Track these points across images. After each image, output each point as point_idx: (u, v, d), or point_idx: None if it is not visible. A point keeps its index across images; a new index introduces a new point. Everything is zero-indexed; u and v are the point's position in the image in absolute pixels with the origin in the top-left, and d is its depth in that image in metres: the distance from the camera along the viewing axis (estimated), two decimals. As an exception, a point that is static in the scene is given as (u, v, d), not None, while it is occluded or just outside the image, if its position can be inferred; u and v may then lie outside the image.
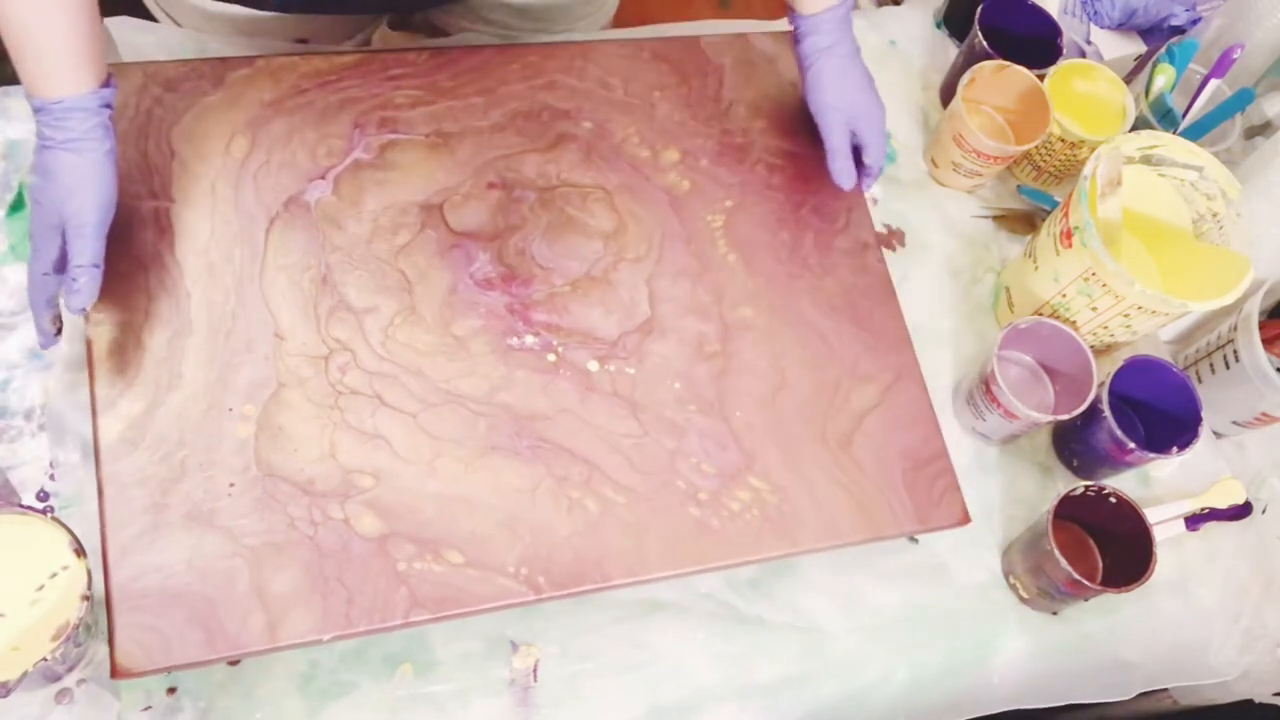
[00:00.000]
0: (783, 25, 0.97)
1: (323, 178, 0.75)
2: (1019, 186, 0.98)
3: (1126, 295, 0.78)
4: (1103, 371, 0.82)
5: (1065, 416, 0.80)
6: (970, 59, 0.94)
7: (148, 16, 0.87)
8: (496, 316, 0.73)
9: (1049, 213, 0.97)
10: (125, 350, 0.67)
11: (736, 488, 0.72)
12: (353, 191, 0.75)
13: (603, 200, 0.79)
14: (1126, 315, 0.80)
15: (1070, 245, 0.80)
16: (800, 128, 0.87)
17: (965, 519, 0.75)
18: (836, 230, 0.83)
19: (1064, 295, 0.83)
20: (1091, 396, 0.80)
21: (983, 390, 0.81)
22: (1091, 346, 0.86)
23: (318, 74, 0.78)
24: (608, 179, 0.80)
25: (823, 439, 0.75)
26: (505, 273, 0.75)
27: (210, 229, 0.71)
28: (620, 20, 1.05)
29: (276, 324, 0.70)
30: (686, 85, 0.86)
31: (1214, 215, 0.85)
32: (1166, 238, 0.87)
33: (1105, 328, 0.83)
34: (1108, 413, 0.79)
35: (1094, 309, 0.81)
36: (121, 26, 0.82)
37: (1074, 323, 0.84)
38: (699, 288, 0.78)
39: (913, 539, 0.80)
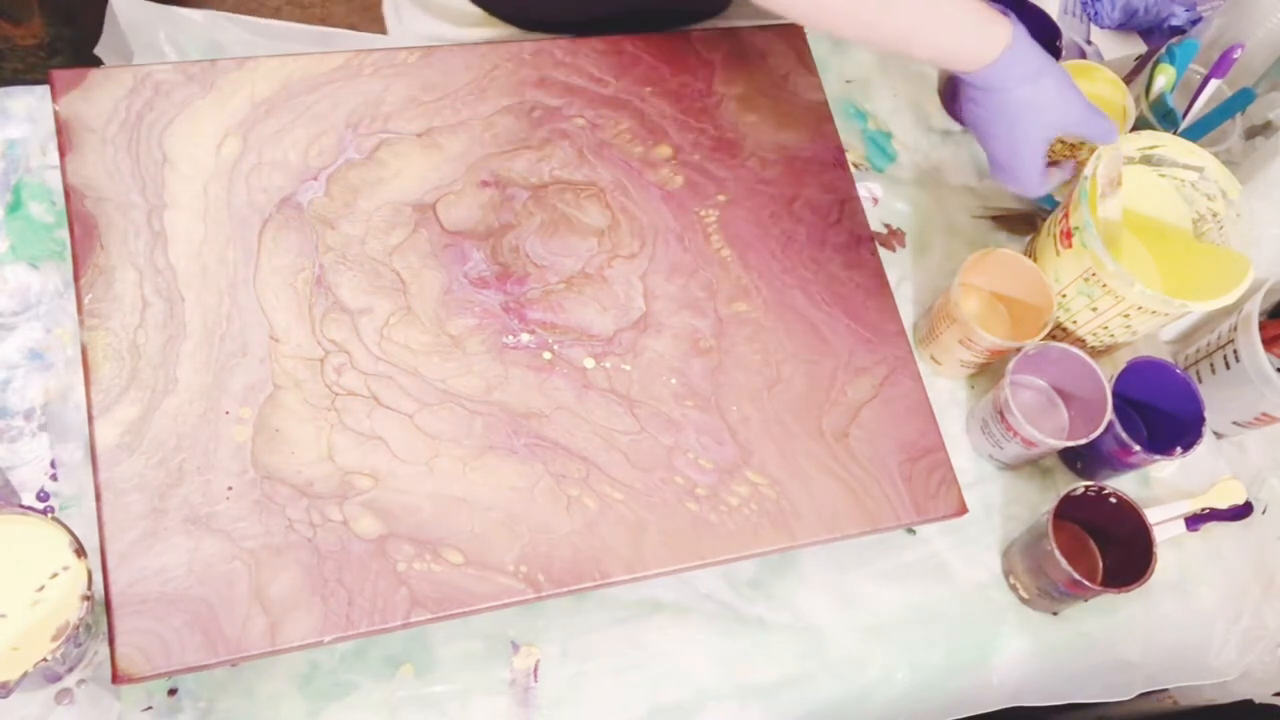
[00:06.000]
0: (775, 20, 1.05)
1: (315, 178, 0.81)
2: (1018, 185, 1.05)
3: (1126, 296, 0.85)
4: (1105, 373, 0.88)
5: (1084, 440, 0.86)
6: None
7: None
8: (491, 315, 0.80)
9: (1049, 213, 1.04)
10: (120, 355, 0.74)
11: (734, 482, 0.79)
12: (345, 192, 0.82)
13: (596, 197, 0.86)
14: (1126, 316, 0.87)
15: (1070, 245, 0.87)
16: (792, 122, 0.94)
17: (962, 509, 0.83)
18: (830, 224, 0.90)
19: (1064, 295, 0.90)
20: (1107, 419, 0.86)
21: (998, 419, 0.87)
22: (1092, 347, 0.93)
23: (308, 74, 0.84)
24: (600, 176, 0.87)
25: (819, 432, 0.82)
26: (499, 271, 0.82)
27: (203, 232, 0.78)
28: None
29: (271, 326, 0.77)
30: (678, 80, 0.93)
31: (1214, 215, 0.92)
32: (1166, 238, 0.94)
33: (1105, 328, 0.90)
34: (1113, 417, 0.86)
35: (1094, 309, 0.88)
36: (128, 7, 0.88)
37: (1074, 322, 0.91)
38: (693, 283, 0.85)
39: (910, 530, 0.88)
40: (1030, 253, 0.95)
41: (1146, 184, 0.95)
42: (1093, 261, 0.85)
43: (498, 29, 0.98)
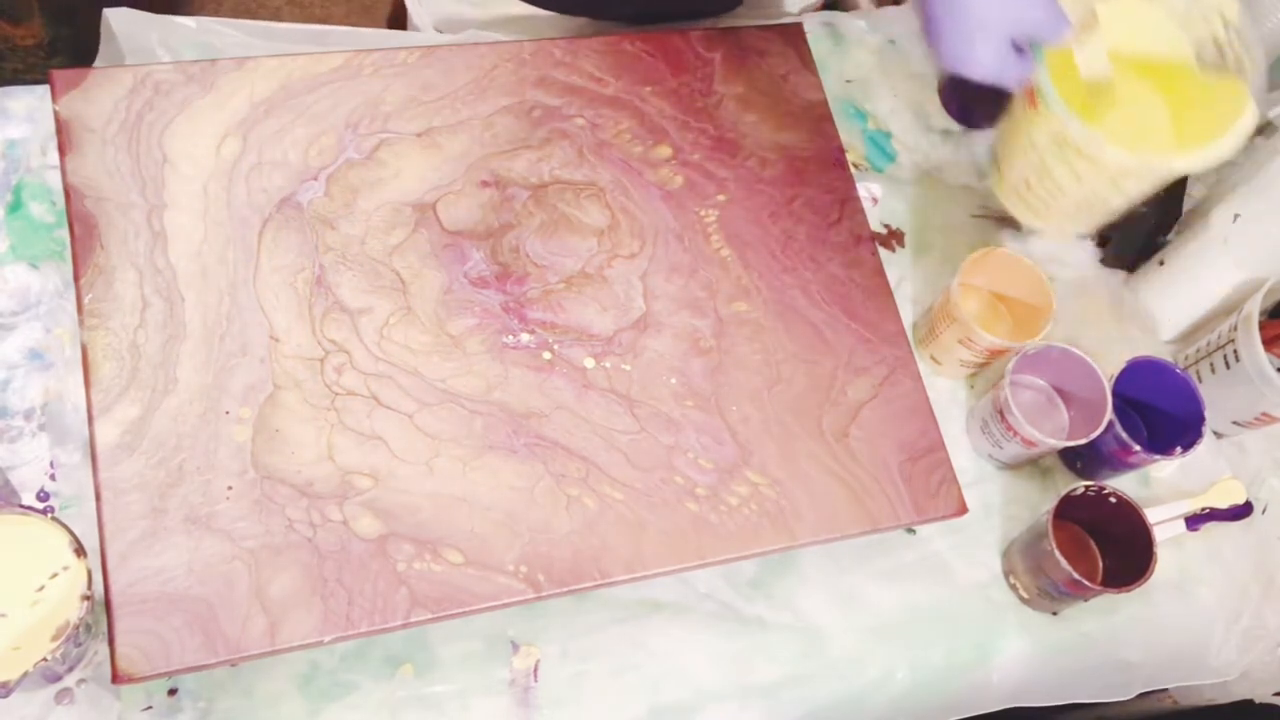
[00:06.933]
0: (774, 19, 1.05)
1: (315, 178, 0.81)
2: (1018, 184, 1.05)
3: (1101, 159, 0.75)
4: (1104, 373, 0.88)
5: (1084, 440, 0.86)
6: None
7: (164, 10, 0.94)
8: (491, 315, 0.80)
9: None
10: (120, 355, 0.74)
11: (734, 482, 0.79)
12: (345, 191, 0.82)
13: (595, 197, 0.86)
14: (1114, 181, 0.78)
15: (1035, 105, 0.77)
16: (792, 121, 0.94)
17: (962, 509, 0.83)
18: (830, 224, 0.90)
19: (1043, 162, 0.80)
20: (1107, 419, 0.86)
21: (998, 419, 0.87)
22: (1088, 220, 0.85)
23: (308, 74, 0.85)
24: (600, 175, 0.87)
25: (819, 432, 0.82)
26: (499, 271, 0.82)
27: (203, 232, 0.78)
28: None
29: (271, 326, 0.77)
30: (677, 80, 0.93)
31: (1214, 41, 0.82)
32: (1170, 75, 0.82)
33: (1096, 194, 0.80)
34: (1113, 416, 0.86)
35: (1077, 176, 0.79)
36: (123, 19, 0.89)
37: (1060, 191, 0.81)
38: (693, 283, 0.85)
39: (910, 530, 0.88)
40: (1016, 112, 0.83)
41: (1137, 15, 0.82)
42: (1061, 125, 0.75)
43: (520, 7, 0.98)
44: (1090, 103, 0.76)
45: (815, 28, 1.06)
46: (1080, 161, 0.76)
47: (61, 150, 0.78)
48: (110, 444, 0.71)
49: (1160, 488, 0.96)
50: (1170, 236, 1.03)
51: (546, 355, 0.80)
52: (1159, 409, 0.92)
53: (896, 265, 0.97)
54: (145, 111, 0.80)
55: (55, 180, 0.82)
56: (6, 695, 0.64)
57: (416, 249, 0.81)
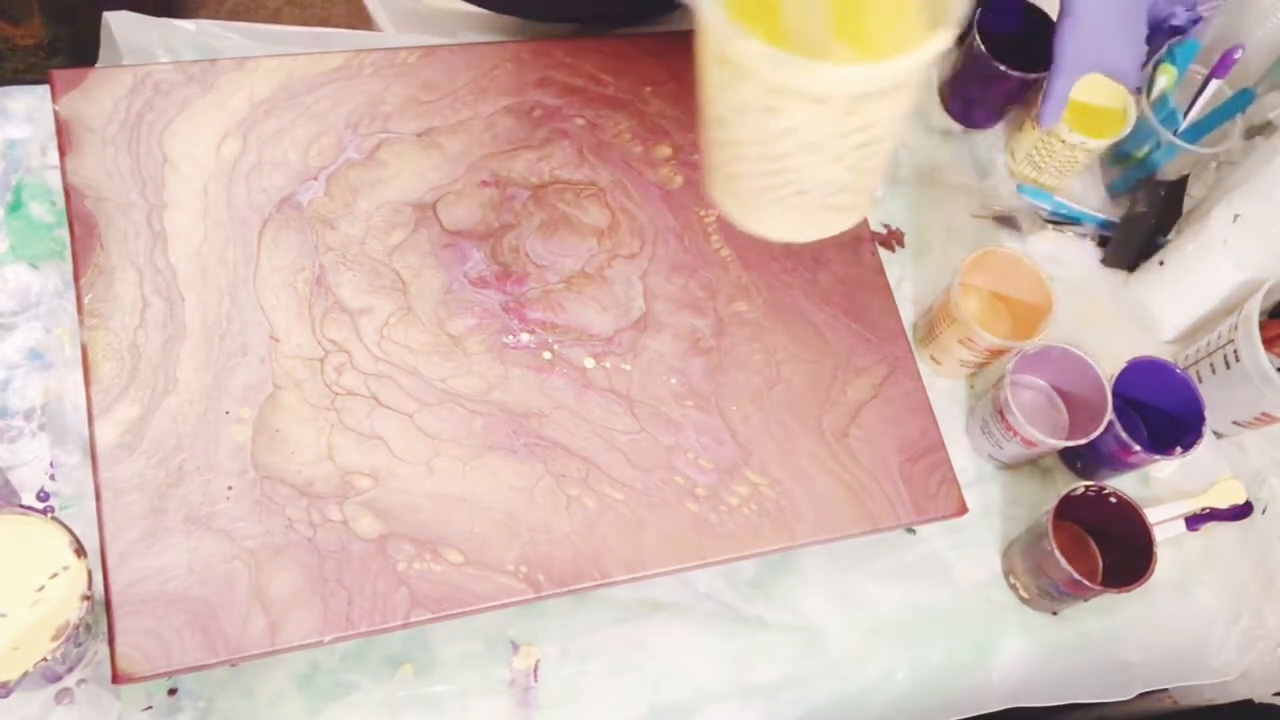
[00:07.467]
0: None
1: (315, 178, 0.81)
2: (1019, 186, 1.05)
3: (752, 64, 0.51)
4: (1104, 373, 0.88)
5: (1084, 440, 0.86)
6: (969, 60, 1.01)
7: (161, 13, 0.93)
8: (491, 315, 0.80)
9: (1049, 212, 1.05)
10: (120, 355, 0.74)
11: (734, 482, 0.79)
12: (345, 191, 0.82)
13: (596, 197, 0.86)
14: (772, 108, 0.52)
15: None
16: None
17: (962, 509, 0.83)
18: (830, 224, 0.90)
19: (716, 109, 0.56)
20: (1107, 419, 0.86)
21: (998, 419, 0.88)
22: (791, 206, 0.63)
23: (308, 74, 0.85)
24: (600, 175, 0.87)
25: (819, 432, 0.82)
26: (499, 271, 0.82)
27: (203, 232, 0.78)
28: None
29: (271, 326, 0.77)
30: (677, 80, 0.93)
31: None
32: None
33: (773, 143, 0.55)
34: (1113, 416, 0.86)
35: (741, 106, 0.54)
36: (122, 22, 0.89)
37: (739, 158, 0.59)
38: (693, 283, 0.85)
39: (910, 530, 0.88)
40: None
41: None
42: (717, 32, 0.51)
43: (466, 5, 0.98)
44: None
45: (815, 28, 1.06)
46: (740, 81, 0.53)
47: (61, 150, 0.78)
48: (110, 444, 0.71)
49: (1160, 488, 0.96)
50: (1170, 236, 1.03)
51: (546, 355, 0.80)
52: (1159, 409, 0.92)
53: (896, 265, 0.97)
54: (145, 111, 0.80)
55: (55, 180, 0.82)
56: (6, 695, 0.64)
57: (416, 249, 0.81)
